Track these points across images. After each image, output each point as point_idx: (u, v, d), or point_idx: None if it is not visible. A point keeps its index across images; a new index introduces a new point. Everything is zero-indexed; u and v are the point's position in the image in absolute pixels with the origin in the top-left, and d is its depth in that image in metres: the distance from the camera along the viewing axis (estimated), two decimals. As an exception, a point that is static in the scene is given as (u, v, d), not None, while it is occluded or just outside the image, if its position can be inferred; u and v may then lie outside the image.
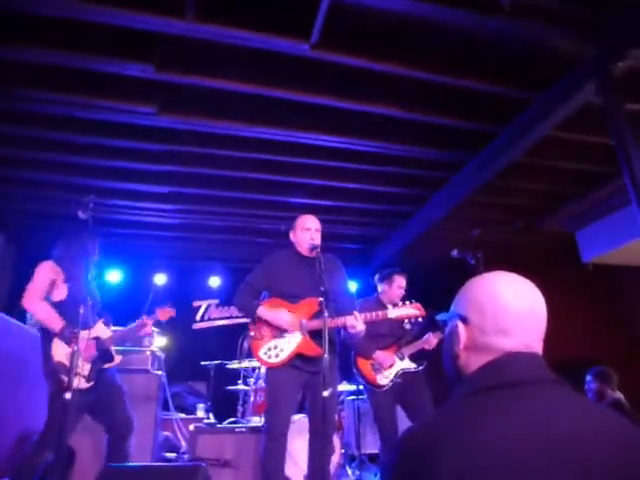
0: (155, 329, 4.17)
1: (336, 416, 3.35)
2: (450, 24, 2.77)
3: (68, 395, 2.17)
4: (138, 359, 3.88)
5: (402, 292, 3.57)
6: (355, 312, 2.66)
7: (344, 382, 4.61)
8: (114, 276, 6.16)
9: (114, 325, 2.93)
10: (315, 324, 2.65)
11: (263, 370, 3.78)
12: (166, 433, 4.35)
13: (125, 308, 3.06)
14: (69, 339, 2.54)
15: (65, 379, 2.44)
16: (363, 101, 3.45)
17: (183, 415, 4.79)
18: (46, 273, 2.65)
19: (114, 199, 4.87)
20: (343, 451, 4.10)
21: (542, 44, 2.91)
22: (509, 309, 0.90)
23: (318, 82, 3.30)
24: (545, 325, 0.94)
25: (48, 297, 2.65)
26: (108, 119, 3.64)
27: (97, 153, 4.09)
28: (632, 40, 2.65)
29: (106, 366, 2.77)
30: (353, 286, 6.42)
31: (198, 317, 5.67)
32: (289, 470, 3.24)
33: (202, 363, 4.76)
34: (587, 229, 5.36)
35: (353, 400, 4.78)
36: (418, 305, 2.88)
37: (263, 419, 3.18)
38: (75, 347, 2.34)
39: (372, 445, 4.56)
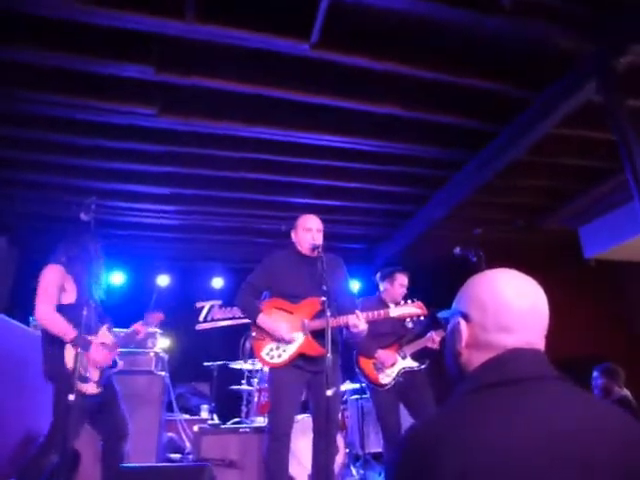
0: (158, 330, 4.18)
1: (340, 415, 3.35)
2: (450, 23, 2.77)
3: (72, 397, 2.17)
4: (142, 360, 3.89)
5: (404, 290, 3.57)
6: (357, 311, 2.66)
7: (347, 381, 4.61)
8: (117, 278, 6.17)
9: (116, 327, 2.94)
10: (317, 324, 2.65)
11: (266, 370, 3.79)
12: (170, 434, 4.36)
13: (128, 310, 3.07)
14: (85, 346, 2.54)
15: (79, 384, 2.45)
16: (364, 101, 3.45)
17: (187, 416, 4.80)
18: (55, 279, 2.59)
19: (115, 201, 4.88)
20: (347, 450, 4.10)
21: (543, 43, 2.91)
22: (511, 306, 0.90)
23: (318, 82, 3.30)
24: (547, 322, 0.94)
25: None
26: (109, 121, 3.64)
27: (98, 155, 4.10)
28: (633, 36, 2.64)
29: (112, 371, 2.79)
30: (356, 285, 6.43)
31: (201, 318, 5.69)
32: (293, 470, 3.25)
33: (205, 364, 4.77)
34: (589, 225, 5.35)
35: (357, 399, 4.78)
36: (420, 304, 2.88)
37: (267, 419, 3.19)
38: (80, 350, 2.34)
39: (376, 444, 4.56)
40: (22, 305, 2.60)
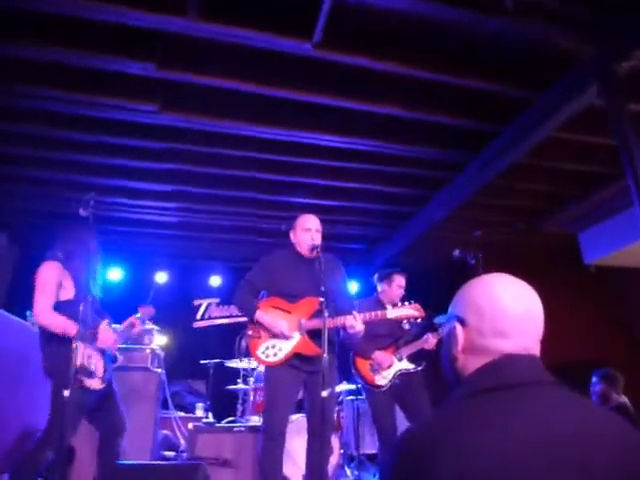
0: (156, 327, 4.17)
1: (335, 416, 3.35)
2: (451, 23, 2.77)
3: (66, 393, 2.17)
4: (138, 357, 3.88)
5: (402, 292, 3.57)
6: (354, 312, 2.65)
7: (344, 382, 4.61)
8: (115, 274, 6.17)
9: (114, 324, 2.93)
10: (314, 324, 2.64)
11: (262, 369, 3.78)
12: (165, 432, 4.35)
13: (126, 306, 3.06)
14: (91, 339, 2.54)
15: (84, 380, 2.44)
16: (365, 101, 3.45)
17: (182, 414, 4.80)
18: (52, 277, 2.58)
19: (116, 197, 4.88)
20: (342, 451, 4.09)
21: (543, 43, 2.90)
22: (507, 311, 0.90)
23: (320, 82, 3.29)
24: (542, 327, 0.94)
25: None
26: (110, 117, 3.64)
27: (100, 151, 4.09)
28: (635, 40, 2.63)
29: (112, 367, 2.78)
30: (354, 286, 6.43)
31: (198, 316, 5.68)
32: (288, 470, 3.25)
33: (202, 362, 4.77)
34: (589, 231, 5.35)
35: (352, 400, 4.78)
36: (417, 306, 2.87)
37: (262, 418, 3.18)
38: (79, 344, 2.33)
39: (371, 445, 4.56)
40: (21, 301, 2.59)
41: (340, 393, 4.70)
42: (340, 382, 4.51)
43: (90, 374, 2.53)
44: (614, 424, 0.81)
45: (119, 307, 3.05)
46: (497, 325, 0.90)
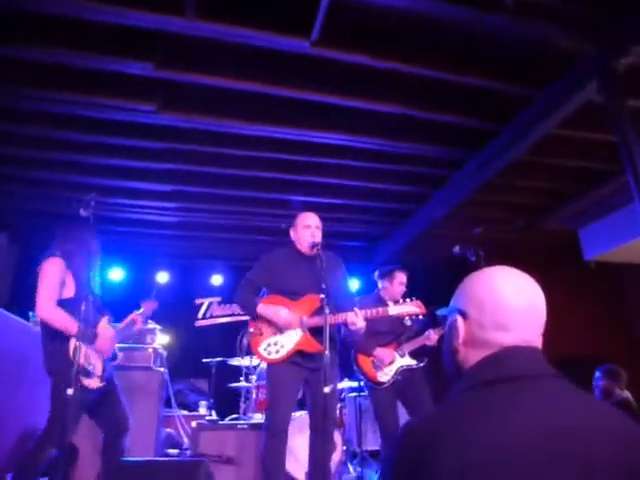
0: (157, 326, 4.18)
1: (337, 413, 3.36)
2: (450, 20, 2.77)
3: (70, 391, 2.18)
4: (140, 356, 3.89)
5: (403, 288, 3.58)
6: (355, 308, 2.66)
7: (345, 379, 4.62)
8: (116, 274, 6.18)
9: (114, 322, 2.94)
10: (315, 321, 2.65)
11: (264, 367, 3.80)
12: (168, 430, 4.37)
13: (127, 306, 3.07)
14: (90, 339, 2.54)
15: (82, 380, 2.45)
16: (364, 99, 3.45)
17: (185, 412, 4.81)
18: (56, 273, 2.57)
19: (116, 197, 4.88)
20: (345, 448, 4.10)
21: (542, 42, 2.90)
22: (508, 304, 0.90)
23: (320, 80, 3.29)
24: (544, 320, 0.94)
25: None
26: (110, 117, 3.64)
27: (99, 151, 4.10)
28: (633, 37, 2.64)
29: (112, 364, 2.79)
30: (355, 284, 6.43)
31: (200, 315, 5.70)
32: (290, 466, 3.26)
33: (204, 360, 4.78)
34: (589, 227, 5.35)
35: (354, 397, 4.79)
36: (419, 303, 2.88)
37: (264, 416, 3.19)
38: (79, 343, 2.34)
39: (373, 442, 4.57)
40: (22, 301, 2.58)
41: (342, 390, 4.72)
42: (342, 379, 4.52)
43: (88, 374, 2.53)
44: (616, 419, 0.81)
45: (120, 307, 3.05)
46: (498, 318, 0.90)
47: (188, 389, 5.64)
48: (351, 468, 4.32)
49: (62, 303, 2.56)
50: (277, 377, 2.67)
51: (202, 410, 4.85)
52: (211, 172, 4.53)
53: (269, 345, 2.71)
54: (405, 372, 3.42)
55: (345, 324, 2.67)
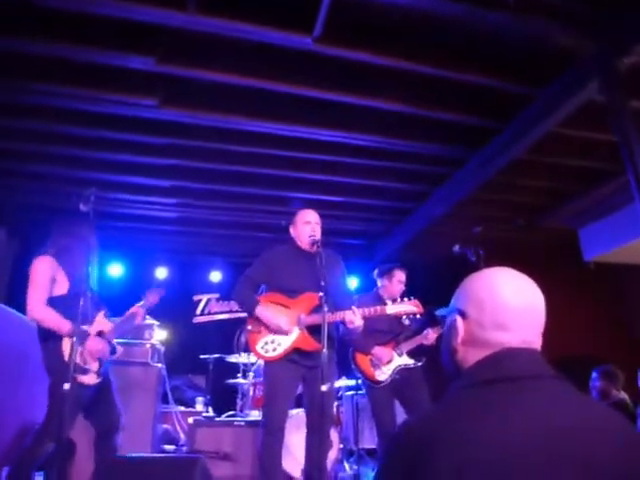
0: (155, 322, 4.17)
1: (334, 411, 3.35)
2: (454, 19, 2.76)
3: (66, 386, 2.17)
4: (138, 352, 3.88)
5: (402, 287, 3.57)
6: (353, 307, 2.65)
7: (343, 377, 4.61)
8: (115, 269, 6.17)
9: (113, 317, 2.93)
10: (313, 319, 2.64)
11: (261, 364, 3.79)
12: (165, 426, 4.37)
13: (126, 301, 3.06)
14: (81, 338, 2.53)
15: (78, 376, 2.44)
16: (365, 96, 3.44)
17: (182, 408, 4.80)
18: (45, 271, 2.56)
19: (117, 192, 4.87)
20: (341, 446, 4.11)
21: (544, 40, 2.90)
22: (507, 304, 0.90)
23: (322, 76, 3.28)
24: (544, 321, 0.93)
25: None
26: (111, 112, 3.63)
27: (100, 146, 4.09)
28: (636, 36, 2.63)
29: (112, 358, 2.78)
30: (354, 282, 6.43)
31: (198, 311, 5.68)
32: (287, 464, 3.26)
33: (202, 357, 4.77)
34: (589, 227, 5.35)
35: (352, 395, 4.78)
36: (417, 302, 2.87)
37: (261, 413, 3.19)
38: (75, 341, 2.33)
39: (370, 440, 4.57)
40: (21, 297, 2.58)
41: (339, 388, 4.71)
42: (339, 377, 4.52)
43: (84, 370, 2.53)
44: (615, 420, 0.81)
45: (119, 302, 3.05)
46: (497, 318, 0.90)
47: (185, 385, 5.63)
48: (347, 466, 4.32)
49: (54, 300, 2.55)
50: (274, 375, 2.67)
51: (199, 406, 4.85)
52: (212, 168, 4.52)
53: (266, 343, 2.70)
54: (403, 371, 3.41)
55: (343, 322, 2.66)
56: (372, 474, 4.20)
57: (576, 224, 5.45)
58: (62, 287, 2.61)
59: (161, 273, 6.26)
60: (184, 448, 4.01)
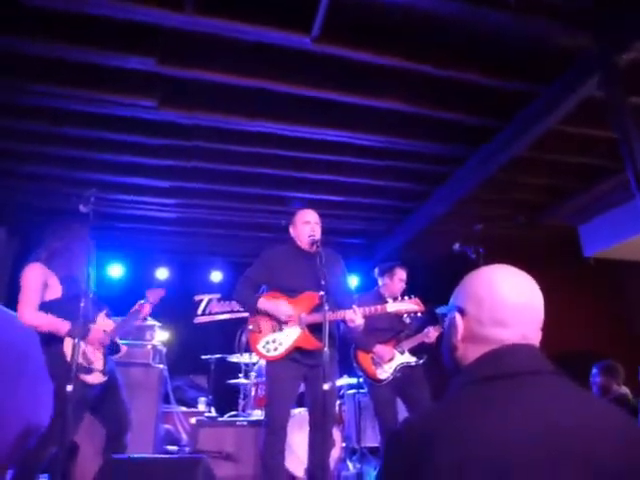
0: (157, 323, 4.18)
1: (336, 409, 3.36)
2: (455, 18, 2.75)
3: (69, 388, 2.17)
4: (140, 353, 3.89)
5: (403, 285, 3.58)
6: (354, 306, 2.65)
7: (344, 376, 4.62)
8: (116, 270, 6.17)
9: (114, 317, 2.93)
10: (314, 318, 2.65)
11: (263, 363, 3.80)
12: (167, 426, 4.37)
13: (127, 302, 3.06)
14: (83, 334, 2.53)
15: (81, 376, 2.45)
16: (366, 95, 3.44)
17: (184, 408, 4.81)
18: (36, 278, 2.58)
19: (116, 193, 4.87)
20: (344, 445, 4.11)
21: (544, 39, 2.90)
22: (506, 301, 0.91)
23: (322, 76, 3.28)
24: (542, 317, 0.94)
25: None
26: (110, 113, 3.63)
27: (100, 147, 4.08)
28: (634, 33, 2.62)
29: (115, 357, 2.79)
30: (355, 281, 6.43)
31: (199, 311, 5.68)
32: (290, 463, 3.26)
33: (203, 357, 4.78)
34: (589, 223, 5.35)
35: (354, 394, 4.79)
36: (417, 300, 2.87)
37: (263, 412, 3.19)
38: (78, 340, 2.33)
39: (372, 439, 4.57)
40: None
41: (341, 387, 4.72)
42: (341, 376, 4.52)
43: (87, 370, 2.53)
44: (615, 417, 0.81)
45: (120, 303, 3.05)
46: (496, 314, 0.90)
47: (187, 385, 5.64)
48: (350, 465, 4.33)
49: (49, 305, 2.56)
50: (276, 374, 2.67)
51: (201, 407, 4.85)
52: (211, 168, 4.52)
53: (268, 342, 2.70)
54: (404, 369, 3.42)
55: (344, 321, 2.67)
56: (374, 472, 4.21)
57: (576, 221, 5.45)
58: (55, 291, 2.61)
59: (162, 274, 6.26)
60: (186, 448, 4.02)
